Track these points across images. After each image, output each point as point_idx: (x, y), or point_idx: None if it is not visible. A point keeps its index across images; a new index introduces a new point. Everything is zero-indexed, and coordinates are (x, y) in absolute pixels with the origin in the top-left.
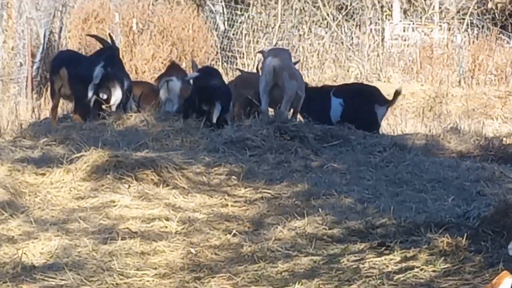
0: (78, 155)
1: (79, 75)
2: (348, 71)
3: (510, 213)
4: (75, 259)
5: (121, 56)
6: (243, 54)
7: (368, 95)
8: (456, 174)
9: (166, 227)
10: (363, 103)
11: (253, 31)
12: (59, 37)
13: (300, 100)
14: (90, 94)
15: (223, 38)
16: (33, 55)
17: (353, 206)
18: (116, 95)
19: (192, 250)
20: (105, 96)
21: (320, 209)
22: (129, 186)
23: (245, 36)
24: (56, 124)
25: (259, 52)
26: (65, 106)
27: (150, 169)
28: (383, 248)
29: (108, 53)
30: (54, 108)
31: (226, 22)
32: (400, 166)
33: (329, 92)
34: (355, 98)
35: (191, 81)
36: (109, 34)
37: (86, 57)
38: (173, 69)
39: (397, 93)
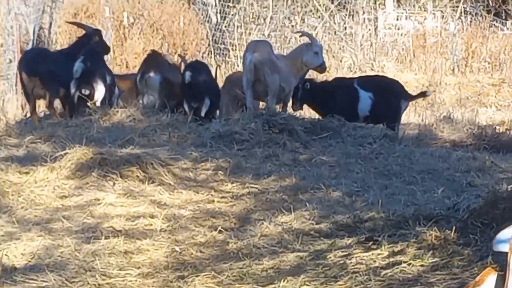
0: (62, 152)
1: (55, 72)
2: (341, 61)
3: (499, 205)
4: (57, 259)
5: (112, 51)
6: (236, 46)
7: (395, 89)
8: (447, 164)
9: (151, 224)
10: (391, 97)
11: (245, 23)
12: (49, 33)
13: (286, 92)
14: (72, 90)
15: (215, 30)
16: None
17: (341, 200)
18: (99, 90)
19: (177, 248)
20: (87, 92)
21: (307, 204)
22: (114, 183)
23: (237, 28)
24: (37, 123)
25: None
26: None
27: (136, 166)
28: (371, 243)
29: (87, 47)
30: (33, 112)
31: (218, 14)
32: (390, 157)
33: (353, 84)
34: (384, 92)
35: (177, 75)
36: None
37: (60, 52)
38: (152, 61)
39: (422, 94)
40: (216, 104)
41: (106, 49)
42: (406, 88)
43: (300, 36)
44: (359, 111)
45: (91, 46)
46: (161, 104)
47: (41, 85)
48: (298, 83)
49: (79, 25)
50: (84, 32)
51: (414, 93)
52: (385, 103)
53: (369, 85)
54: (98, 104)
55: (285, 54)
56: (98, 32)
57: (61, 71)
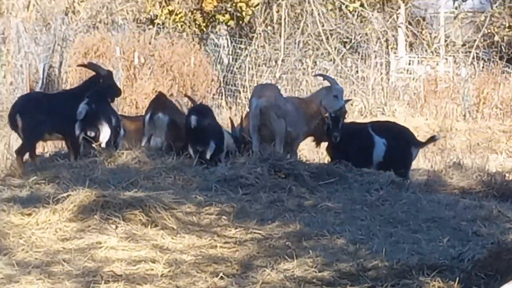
0: (65, 194)
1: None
2: (352, 105)
3: (504, 256)
4: None
5: (122, 91)
6: (246, 88)
7: (405, 136)
8: (453, 213)
9: (152, 269)
10: (403, 144)
11: (257, 64)
12: (59, 72)
13: (294, 137)
14: (77, 132)
15: (226, 71)
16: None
17: (345, 248)
18: (104, 132)
19: None
20: (92, 134)
21: (311, 251)
22: (116, 226)
23: (248, 70)
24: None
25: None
26: (58, 144)
27: (138, 209)
28: None
29: (94, 89)
30: (32, 154)
31: (230, 56)
32: (396, 205)
33: (367, 129)
34: (396, 139)
35: (183, 118)
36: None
37: (64, 93)
38: (160, 102)
39: (432, 139)
40: (221, 147)
41: (118, 92)
42: (416, 135)
43: (323, 80)
44: (374, 157)
45: (98, 87)
46: (167, 146)
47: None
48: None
49: (91, 66)
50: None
51: (424, 139)
52: (398, 150)
53: (383, 131)
54: (103, 145)
55: (299, 96)
56: (110, 73)
57: (58, 112)
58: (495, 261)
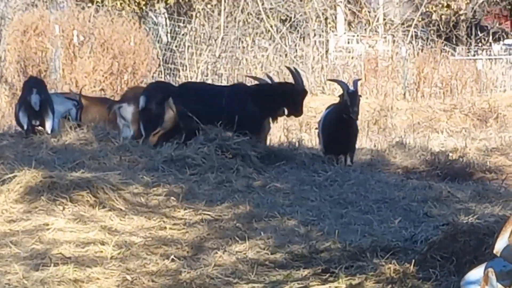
0: (10, 175)
1: None
2: None
3: (459, 238)
4: (5, 287)
5: (61, 69)
6: (186, 66)
7: None
8: (403, 193)
9: (102, 251)
10: None
11: (196, 43)
12: None
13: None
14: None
15: (165, 50)
16: None
17: (297, 229)
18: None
19: (128, 277)
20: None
21: (262, 232)
22: (64, 208)
23: (188, 48)
24: None
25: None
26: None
27: (86, 190)
28: (328, 275)
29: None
30: None
31: (168, 34)
32: (345, 185)
33: None
34: None
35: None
36: None
37: None
38: (128, 93)
39: None
40: None
41: None
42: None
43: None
44: None
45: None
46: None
47: None
48: None
49: None
50: None
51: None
52: None
53: None
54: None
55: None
56: None
57: None
58: (451, 243)
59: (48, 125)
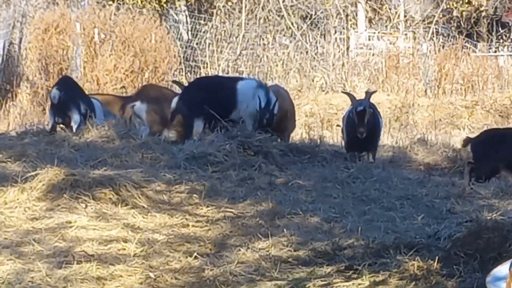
0: (33, 173)
1: None
2: (313, 80)
3: (483, 235)
4: (28, 285)
5: (82, 67)
6: (207, 64)
7: None
8: (425, 190)
9: (124, 249)
10: None
11: (217, 40)
12: (19, 48)
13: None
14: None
15: (186, 48)
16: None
17: (319, 226)
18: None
19: (151, 275)
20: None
21: (285, 229)
22: (86, 205)
23: (208, 46)
24: None
25: None
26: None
27: (108, 188)
28: (351, 272)
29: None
30: None
31: (189, 32)
32: (367, 182)
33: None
34: None
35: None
36: None
37: None
38: (142, 91)
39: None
40: None
41: None
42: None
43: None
44: None
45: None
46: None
47: None
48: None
49: None
50: None
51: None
52: None
53: None
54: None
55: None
56: None
57: None
58: (475, 240)
59: (74, 123)
